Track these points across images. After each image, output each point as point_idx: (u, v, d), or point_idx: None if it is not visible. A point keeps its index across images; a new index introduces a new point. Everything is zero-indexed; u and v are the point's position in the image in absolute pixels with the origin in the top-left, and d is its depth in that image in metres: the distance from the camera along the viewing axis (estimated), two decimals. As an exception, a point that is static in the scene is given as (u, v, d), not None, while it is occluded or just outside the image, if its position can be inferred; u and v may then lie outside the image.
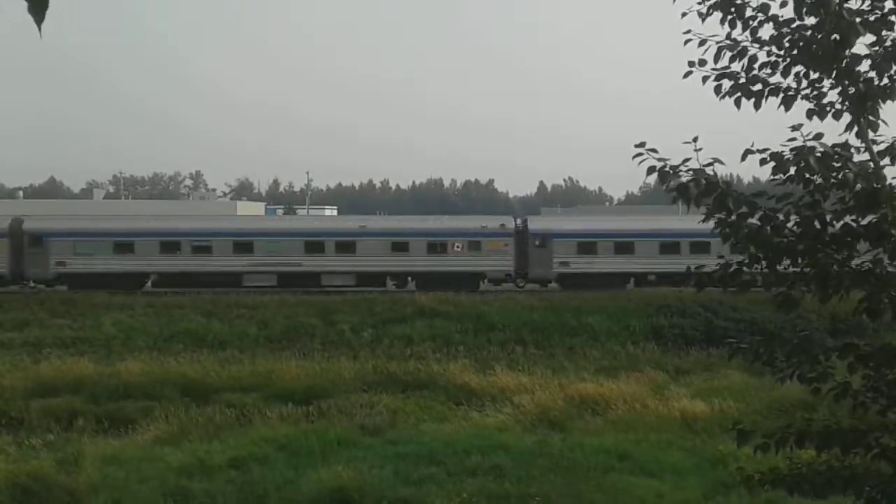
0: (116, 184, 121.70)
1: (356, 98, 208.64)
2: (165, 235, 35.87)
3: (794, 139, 5.07)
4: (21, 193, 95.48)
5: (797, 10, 5.00)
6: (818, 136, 5.05)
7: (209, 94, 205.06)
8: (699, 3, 5.36)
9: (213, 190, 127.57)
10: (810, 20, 5.07)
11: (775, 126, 5.21)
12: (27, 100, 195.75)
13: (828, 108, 5.32)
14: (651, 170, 5.16)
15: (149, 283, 36.41)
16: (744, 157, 5.13)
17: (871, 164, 5.18)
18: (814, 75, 5.30)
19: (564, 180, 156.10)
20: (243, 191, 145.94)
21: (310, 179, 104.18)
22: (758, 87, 5.35)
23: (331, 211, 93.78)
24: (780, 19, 5.23)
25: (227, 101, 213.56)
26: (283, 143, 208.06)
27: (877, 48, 5.19)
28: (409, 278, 36.09)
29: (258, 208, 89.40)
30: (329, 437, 17.79)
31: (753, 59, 5.33)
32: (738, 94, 5.36)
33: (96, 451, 16.98)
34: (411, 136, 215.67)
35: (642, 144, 5.15)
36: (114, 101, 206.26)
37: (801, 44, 5.18)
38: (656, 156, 5.14)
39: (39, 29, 2.15)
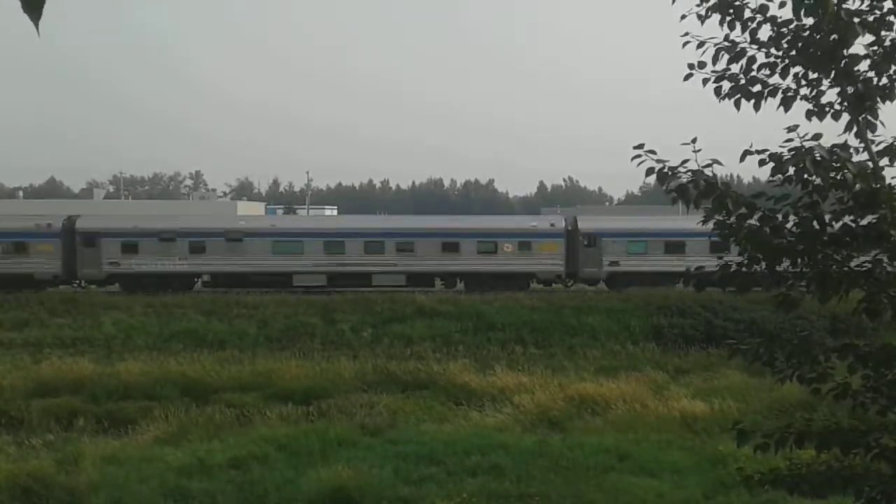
0: (116, 184, 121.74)
1: (356, 98, 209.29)
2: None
3: (791, 140, 5.06)
4: (21, 193, 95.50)
5: (796, 10, 4.98)
6: (816, 137, 5.04)
7: (209, 94, 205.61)
8: (698, 5, 5.35)
9: (213, 190, 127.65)
10: (809, 21, 5.06)
11: (778, 124, 5.20)
12: (27, 100, 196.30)
13: (827, 109, 5.31)
14: (650, 171, 5.14)
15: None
16: (742, 158, 5.11)
17: (870, 164, 5.16)
18: (812, 76, 5.29)
19: (564, 180, 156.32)
20: (243, 191, 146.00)
21: (310, 179, 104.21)
22: (757, 88, 5.34)
23: (331, 211, 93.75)
24: (779, 20, 5.22)
25: (227, 101, 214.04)
26: (283, 143, 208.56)
27: (875, 48, 5.17)
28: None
29: (258, 208, 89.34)
30: (329, 436, 17.80)
31: (752, 60, 5.32)
32: (738, 95, 5.35)
33: (96, 451, 17.00)
34: (411, 135, 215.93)
35: (641, 146, 5.13)
36: (114, 101, 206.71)
37: (800, 44, 5.17)
38: (654, 157, 5.12)
39: (37, 27, 2.14)
